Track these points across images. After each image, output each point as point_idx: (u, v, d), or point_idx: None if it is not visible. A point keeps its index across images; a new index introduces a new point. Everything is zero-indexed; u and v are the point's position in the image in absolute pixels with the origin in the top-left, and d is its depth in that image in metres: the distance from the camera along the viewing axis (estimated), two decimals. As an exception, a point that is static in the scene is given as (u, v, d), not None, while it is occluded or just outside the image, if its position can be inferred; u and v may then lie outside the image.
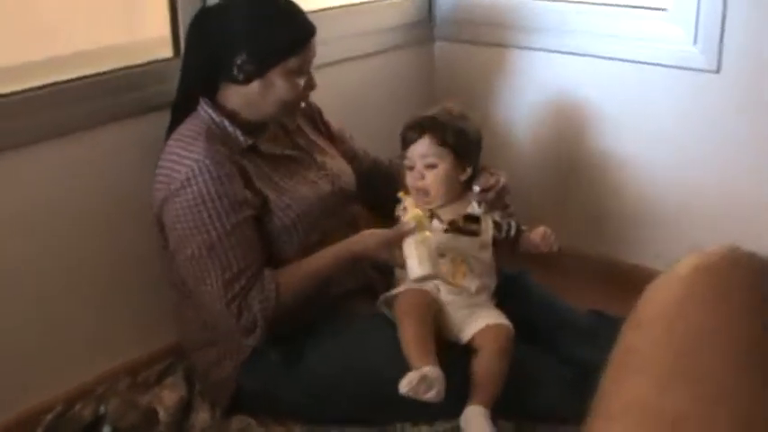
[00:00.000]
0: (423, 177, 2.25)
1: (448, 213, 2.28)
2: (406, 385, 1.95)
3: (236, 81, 2.13)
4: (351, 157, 2.49)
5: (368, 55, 2.99)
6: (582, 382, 2.09)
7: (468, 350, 2.19)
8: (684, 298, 0.53)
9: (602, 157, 2.93)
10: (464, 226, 2.26)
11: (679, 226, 2.80)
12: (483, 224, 2.28)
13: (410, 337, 2.08)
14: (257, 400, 2.23)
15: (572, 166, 3.02)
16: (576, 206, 3.05)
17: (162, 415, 2.20)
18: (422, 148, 2.25)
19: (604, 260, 2.97)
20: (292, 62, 2.12)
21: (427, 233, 2.10)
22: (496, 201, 2.31)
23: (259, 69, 2.11)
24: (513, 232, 2.32)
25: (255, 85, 2.13)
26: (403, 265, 2.09)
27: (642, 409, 0.50)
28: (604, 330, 2.17)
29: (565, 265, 2.65)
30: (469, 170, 2.30)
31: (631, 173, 2.89)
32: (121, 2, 2.52)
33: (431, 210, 2.26)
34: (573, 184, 3.03)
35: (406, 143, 2.28)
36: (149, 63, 2.39)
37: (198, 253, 2.07)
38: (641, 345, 0.53)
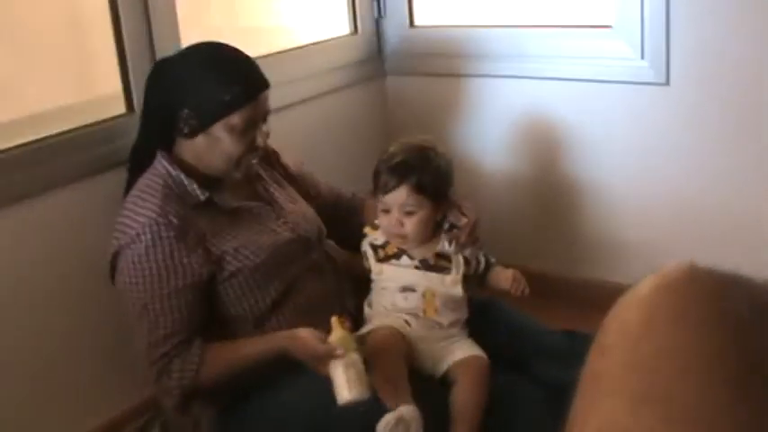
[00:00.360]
0: (402, 224, 2.22)
1: (418, 251, 2.27)
2: (383, 428, 1.95)
3: (182, 135, 2.12)
4: (314, 194, 2.48)
5: (320, 95, 3.00)
6: (556, 403, 2.10)
7: (444, 384, 2.18)
8: (646, 319, 0.54)
9: (562, 176, 2.96)
10: (435, 263, 2.26)
11: (636, 239, 2.83)
12: (454, 261, 2.28)
13: (383, 377, 2.08)
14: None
15: (533, 188, 3.04)
16: (539, 226, 3.07)
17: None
18: (400, 198, 2.20)
19: (566, 278, 2.99)
20: (235, 118, 2.09)
21: (354, 355, 2.02)
22: (468, 240, 2.30)
23: (201, 124, 2.10)
24: (481, 267, 2.32)
25: (201, 140, 2.12)
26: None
27: (615, 431, 0.50)
28: (576, 349, 2.20)
29: (534, 286, 2.65)
30: (444, 207, 2.29)
31: (591, 189, 2.91)
32: (73, 60, 2.52)
33: (401, 249, 2.26)
34: (535, 205, 3.06)
35: (383, 190, 2.23)
36: (103, 121, 2.39)
37: (132, 309, 2.08)
38: (608, 369, 0.53)
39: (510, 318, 2.40)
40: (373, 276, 2.31)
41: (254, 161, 2.21)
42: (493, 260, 2.34)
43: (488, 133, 3.08)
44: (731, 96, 2.57)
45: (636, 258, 2.78)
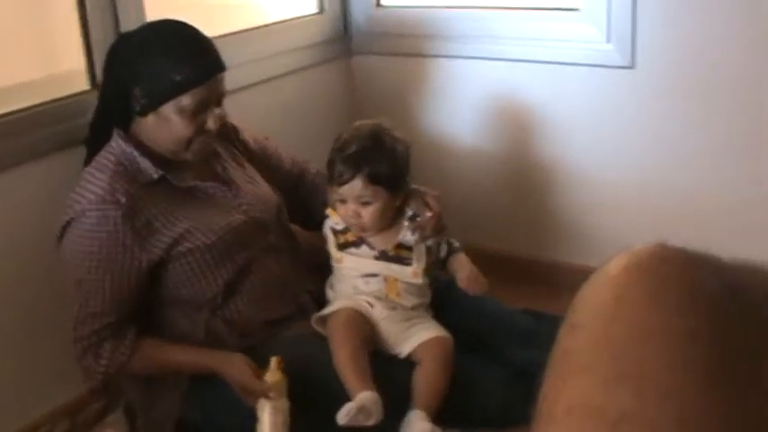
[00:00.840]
0: (359, 215, 2.20)
1: (378, 240, 2.26)
2: (344, 417, 1.96)
3: (134, 112, 2.10)
4: (275, 171, 2.45)
5: (286, 74, 2.98)
6: (524, 383, 2.14)
7: (408, 363, 2.19)
8: (617, 299, 0.54)
9: (530, 157, 2.97)
10: (395, 254, 2.25)
11: (603, 222, 2.84)
12: (416, 252, 2.26)
13: (344, 361, 2.08)
14: (201, 431, 2.20)
15: (501, 169, 3.04)
16: (507, 208, 3.07)
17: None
18: (356, 190, 2.17)
19: (530, 259, 3.00)
20: (185, 99, 2.05)
21: (284, 402, 2.03)
22: (433, 231, 2.27)
23: (151, 103, 2.07)
24: (443, 254, 2.31)
25: (151, 119, 2.09)
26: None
27: (585, 410, 0.50)
28: (542, 330, 2.21)
29: (502, 268, 2.66)
30: (401, 195, 2.25)
31: (560, 171, 2.92)
32: (36, 36, 2.48)
33: (361, 237, 2.25)
34: (503, 187, 3.06)
35: (337, 181, 2.20)
36: (66, 97, 2.35)
37: (67, 283, 2.08)
38: (579, 347, 0.53)
39: (474, 298, 2.40)
40: (333, 263, 2.30)
41: (209, 143, 2.16)
42: (456, 245, 2.33)
43: (455, 114, 3.07)
44: (696, 80, 2.59)
45: (604, 242, 2.80)
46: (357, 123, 2.29)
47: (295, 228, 2.43)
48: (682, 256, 0.56)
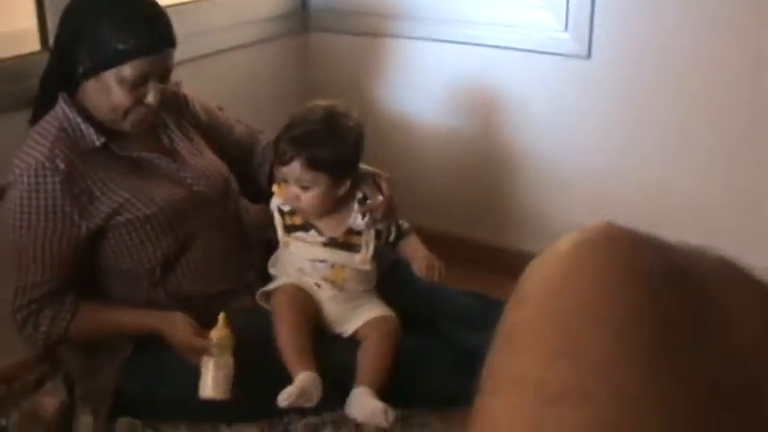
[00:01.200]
0: (297, 198, 2.17)
1: (327, 225, 2.23)
2: (285, 400, 1.98)
3: (78, 76, 2.06)
4: (226, 141, 2.43)
5: (240, 47, 2.94)
6: (467, 365, 2.15)
7: (351, 343, 2.19)
8: (564, 273, 0.54)
9: (485, 141, 2.97)
10: (344, 241, 2.23)
11: (558, 209, 2.85)
12: (364, 237, 2.24)
13: (286, 340, 2.09)
14: (140, 401, 2.18)
15: (454, 152, 3.04)
16: (463, 192, 3.07)
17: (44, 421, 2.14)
18: (295, 172, 2.14)
19: (489, 245, 3.01)
20: (126, 69, 2.01)
21: (228, 358, 2.02)
22: (384, 215, 2.25)
23: (93, 67, 2.03)
24: (392, 237, 2.29)
25: (92, 84, 2.06)
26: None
27: (526, 383, 0.50)
28: (488, 313, 2.22)
29: (450, 250, 2.66)
30: (348, 182, 2.20)
31: (514, 156, 2.93)
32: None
33: (308, 221, 2.23)
34: (459, 171, 3.06)
35: (279, 160, 2.17)
36: (15, 57, 2.30)
37: (12, 247, 2.06)
38: (525, 321, 0.53)
39: (419, 279, 2.40)
40: (280, 246, 2.28)
41: (147, 115, 2.12)
42: (406, 226, 2.32)
43: (412, 96, 3.07)
44: (650, 71, 2.61)
45: (557, 228, 2.80)
46: (312, 104, 2.24)
47: (244, 202, 2.41)
48: (629, 235, 0.57)
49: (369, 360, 2.12)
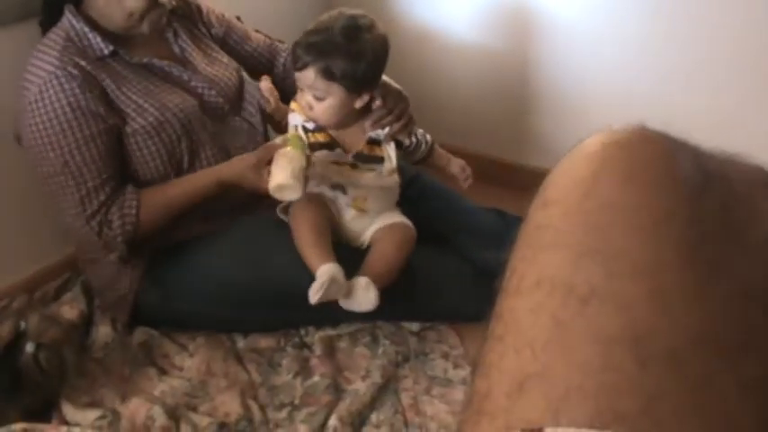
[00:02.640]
0: (310, 107, 2.10)
1: (349, 139, 2.17)
2: (315, 294, 1.91)
3: None
4: (242, 53, 2.40)
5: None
6: (485, 281, 2.12)
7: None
8: (594, 174, 0.52)
9: (506, 57, 2.92)
10: (370, 153, 2.17)
11: (583, 127, 2.81)
12: (385, 150, 2.19)
13: (305, 236, 2.05)
14: (158, 312, 2.20)
15: (484, 66, 2.98)
16: (479, 106, 3.04)
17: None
18: (308, 80, 2.06)
19: (511, 164, 2.98)
20: None
21: (300, 155, 1.99)
22: (400, 129, 2.20)
23: None
24: (422, 151, 2.27)
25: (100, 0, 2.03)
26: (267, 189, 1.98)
27: (553, 285, 0.48)
28: (507, 229, 2.21)
29: (474, 170, 2.64)
30: (366, 96, 2.11)
31: (536, 74, 2.88)
32: None
33: (331, 136, 2.17)
34: (484, 86, 3.01)
35: (295, 66, 2.09)
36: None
37: (53, 170, 2.00)
38: (552, 222, 0.52)
39: (439, 194, 2.39)
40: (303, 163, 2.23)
41: (162, 15, 2.10)
42: (429, 139, 2.29)
43: (438, 8, 3.00)
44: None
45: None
46: (336, 12, 2.12)
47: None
48: (663, 138, 0.55)
49: (374, 256, 2.10)
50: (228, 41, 2.38)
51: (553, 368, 0.46)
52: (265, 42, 2.46)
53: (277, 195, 1.97)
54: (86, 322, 2.24)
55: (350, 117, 2.14)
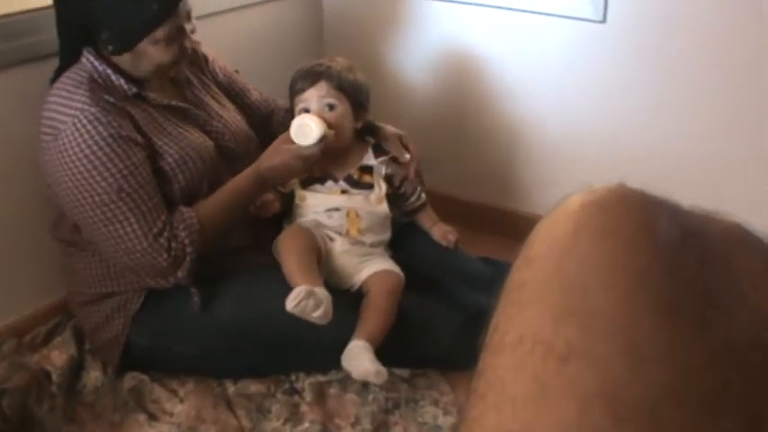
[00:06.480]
0: (322, 117, 2.21)
1: (341, 169, 2.30)
2: (293, 300, 1.95)
3: (106, 52, 2.05)
4: (243, 106, 2.44)
5: (255, 3, 2.92)
6: (476, 327, 2.13)
7: (359, 297, 2.20)
8: (573, 233, 0.53)
9: (493, 107, 2.95)
10: (359, 179, 2.28)
11: (570, 174, 2.84)
12: (375, 176, 2.30)
13: (293, 265, 2.09)
14: (149, 357, 2.20)
15: (465, 118, 3.02)
16: (468, 156, 3.06)
17: (53, 376, 2.15)
18: (320, 91, 2.23)
19: (498, 209, 3.00)
20: (160, 32, 2.02)
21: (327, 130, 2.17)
22: (413, 177, 2.36)
23: (124, 46, 2.03)
24: (419, 202, 2.41)
25: (127, 57, 2.06)
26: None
27: (533, 342, 0.49)
28: (496, 277, 2.23)
29: (461, 215, 2.67)
30: (361, 123, 2.31)
31: (523, 122, 2.91)
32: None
33: (324, 168, 2.26)
34: (465, 135, 3.05)
35: (300, 90, 2.25)
36: (23, 12, 2.28)
37: (107, 198, 1.98)
38: (532, 280, 0.53)
39: (430, 241, 2.42)
40: (297, 201, 2.30)
41: (186, 61, 2.16)
42: (423, 198, 2.41)
43: (423, 57, 3.04)
44: (666, 37, 2.58)
45: (567, 194, 2.79)
46: (326, 57, 2.36)
47: None
48: (640, 196, 0.56)
49: (369, 313, 2.13)
50: (230, 92, 2.41)
51: (532, 426, 0.47)
52: (263, 97, 2.52)
53: (299, 131, 2.14)
54: (77, 367, 2.24)
55: (349, 141, 2.29)
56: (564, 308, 0.50)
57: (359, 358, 2.02)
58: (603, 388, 0.47)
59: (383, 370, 2.01)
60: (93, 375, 2.20)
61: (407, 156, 2.34)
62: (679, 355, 0.47)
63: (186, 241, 2.04)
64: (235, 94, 2.44)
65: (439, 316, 2.23)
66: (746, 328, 0.50)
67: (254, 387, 2.18)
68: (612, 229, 0.53)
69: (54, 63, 2.13)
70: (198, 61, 2.33)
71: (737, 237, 0.56)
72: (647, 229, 0.53)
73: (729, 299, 0.51)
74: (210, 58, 2.39)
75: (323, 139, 2.13)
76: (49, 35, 2.13)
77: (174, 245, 2.03)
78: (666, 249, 0.52)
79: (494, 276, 2.24)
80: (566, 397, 0.47)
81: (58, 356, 2.23)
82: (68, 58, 2.10)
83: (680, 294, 0.50)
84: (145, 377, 2.20)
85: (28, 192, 2.24)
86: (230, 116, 2.33)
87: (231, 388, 2.19)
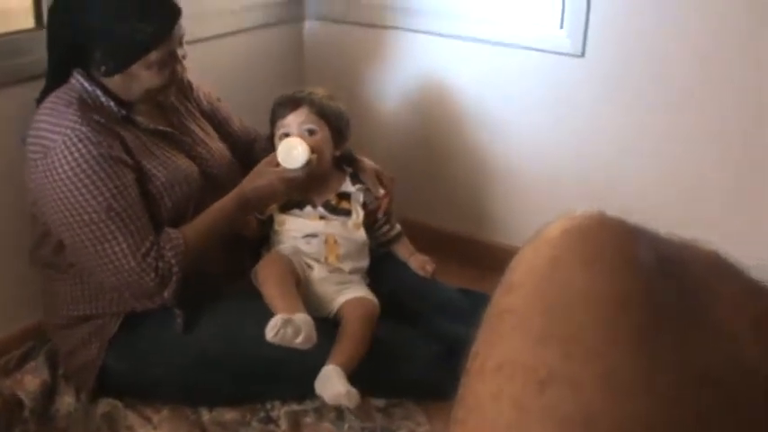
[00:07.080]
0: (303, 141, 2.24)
1: (319, 195, 2.32)
2: (271, 329, 1.95)
3: (98, 72, 2.06)
4: (225, 134, 2.45)
5: (237, 32, 2.93)
6: (453, 357, 2.15)
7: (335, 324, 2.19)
8: (553, 260, 0.54)
9: (471, 139, 2.97)
10: (337, 205, 2.31)
11: (546, 206, 2.85)
12: (353, 202, 2.32)
13: (273, 291, 2.10)
14: (124, 382, 2.18)
15: (442, 150, 3.04)
16: (445, 187, 3.07)
17: (25, 401, 2.13)
18: (300, 117, 2.27)
19: (473, 240, 3.01)
20: (153, 55, 2.03)
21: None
22: (386, 210, 2.40)
23: (117, 67, 2.04)
24: (392, 234, 2.44)
25: (118, 78, 2.06)
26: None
27: (514, 368, 0.50)
28: (475, 307, 2.23)
29: (437, 246, 2.67)
30: (340, 151, 2.35)
31: (500, 154, 2.93)
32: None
33: (303, 193, 2.27)
34: (442, 167, 3.06)
35: (282, 115, 2.29)
36: (10, 34, 2.28)
37: (96, 217, 1.98)
38: (513, 307, 0.53)
39: (408, 272, 2.42)
40: (276, 227, 2.30)
41: (174, 88, 2.19)
42: (398, 229, 2.45)
43: (403, 88, 3.06)
44: (645, 71, 2.60)
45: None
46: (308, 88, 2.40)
47: None
48: (619, 223, 0.57)
49: (343, 339, 2.13)
50: (214, 121, 2.42)
51: (511, 451, 0.47)
52: (244, 125, 2.52)
53: (285, 154, 2.17)
54: (49, 392, 2.21)
55: (328, 167, 2.32)
56: (545, 333, 0.50)
57: (331, 382, 2.01)
58: (583, 413, 0.47)
59: (354, 391, 2.00)
60: (66, 401, 2.18)
61: (382, 191, 2.36)
62: (657, 383, 0.48)
63: (173, 261, 2.04)
64: (218, 122, 2.44)
65: (415, 345, 2.24)
66: (724, 355, 0.50)
67: (229, 415, 2.17)
68: (593, 256, 0.53)
69: (35, 86, 2.13)
70: (183, 88, 2.34)
71: (715, 264, 0.57)
72: (627, 256, 0.54)
73: (708, 324, 0.51)
74: (195, 85, 2.40)
75: (309, 163, 2.15)
76: (34, 57, 2.13)
77: (161, 264, 2.03)
78: (646, 276, 0.53)
79: (472, 307, 2.25)
80: (545, 422, 0.47)
81: (30, 381, 2.21)
82: (57, 77, 2.09)
83: (659, 321, 0.50)
84: (119, 403, 2.18)
85: (2, 217, 2.22)
86: (214, 144, 2.34)
87: (206, 416, 2.17)
